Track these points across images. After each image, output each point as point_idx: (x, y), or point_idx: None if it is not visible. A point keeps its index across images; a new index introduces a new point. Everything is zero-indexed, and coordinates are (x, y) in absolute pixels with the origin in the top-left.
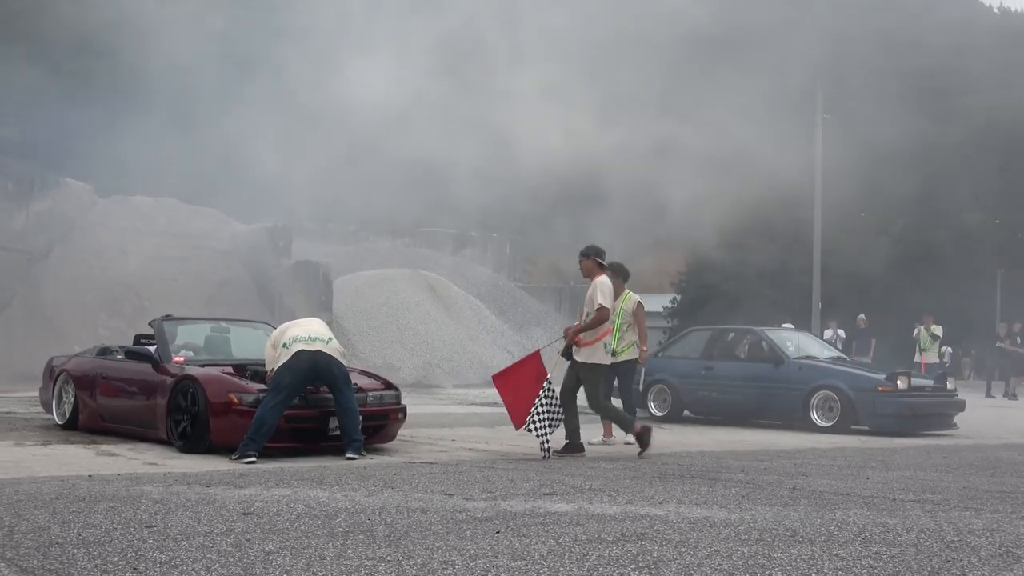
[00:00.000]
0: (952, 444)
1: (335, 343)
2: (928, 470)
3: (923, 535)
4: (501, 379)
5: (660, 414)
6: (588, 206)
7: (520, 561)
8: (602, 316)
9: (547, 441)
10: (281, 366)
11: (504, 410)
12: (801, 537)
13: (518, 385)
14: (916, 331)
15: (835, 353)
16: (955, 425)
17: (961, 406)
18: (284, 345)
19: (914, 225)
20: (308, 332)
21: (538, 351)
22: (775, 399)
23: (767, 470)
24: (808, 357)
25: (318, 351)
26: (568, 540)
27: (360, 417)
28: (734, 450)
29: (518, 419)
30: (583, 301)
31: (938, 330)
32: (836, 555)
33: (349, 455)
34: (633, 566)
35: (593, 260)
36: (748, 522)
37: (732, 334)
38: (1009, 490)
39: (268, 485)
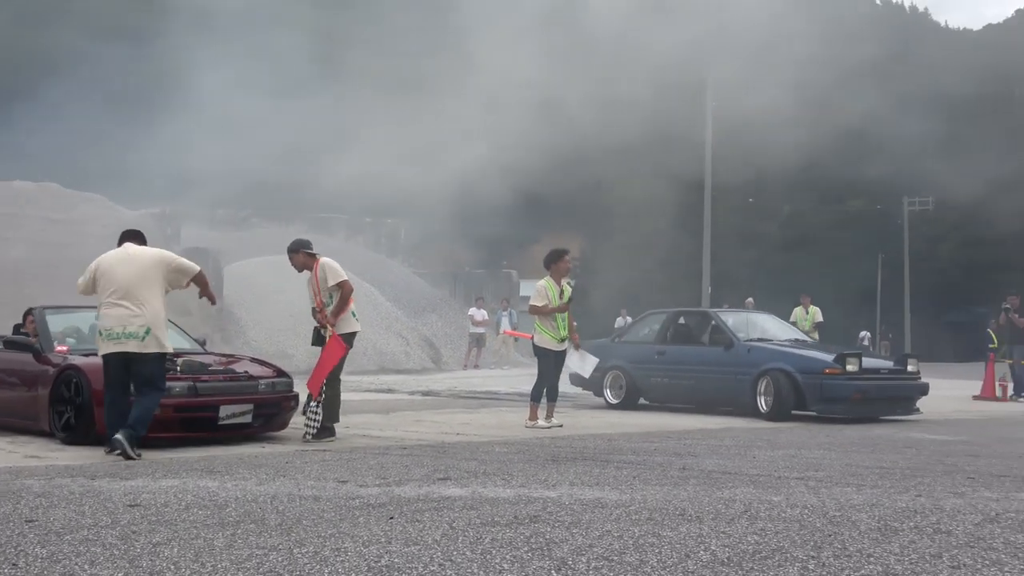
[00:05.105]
0: (835, 424)
1: (154, 333)
2: (812, 448)
3: (806, 511)
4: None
5: (615, 401)
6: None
7: (414, 546)
8: (346, 291)
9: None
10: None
11: (393, 396)
12: (690, 516)
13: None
14: (793, 313)
15: (796, 335)
16: (918, 410)
17: (924, 389)
18: (100, 333)
19: (799, 211)
20: (123, 324)
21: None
22: (724, 384)
23: (658, 451)
24: (761, 339)
25: (128, 353)
26: (462, 524)
27: (151, 416)
28: (626, 432)
29: (314, 385)
30: (317, 289)
31: (817, 313)
32: (723, 532)
33: (116, 437)
34: (526, 548)
35: (302, 253)
36: (639, 502)
37: (685, 316)
38: (888, 466)
39: (156, 476)
